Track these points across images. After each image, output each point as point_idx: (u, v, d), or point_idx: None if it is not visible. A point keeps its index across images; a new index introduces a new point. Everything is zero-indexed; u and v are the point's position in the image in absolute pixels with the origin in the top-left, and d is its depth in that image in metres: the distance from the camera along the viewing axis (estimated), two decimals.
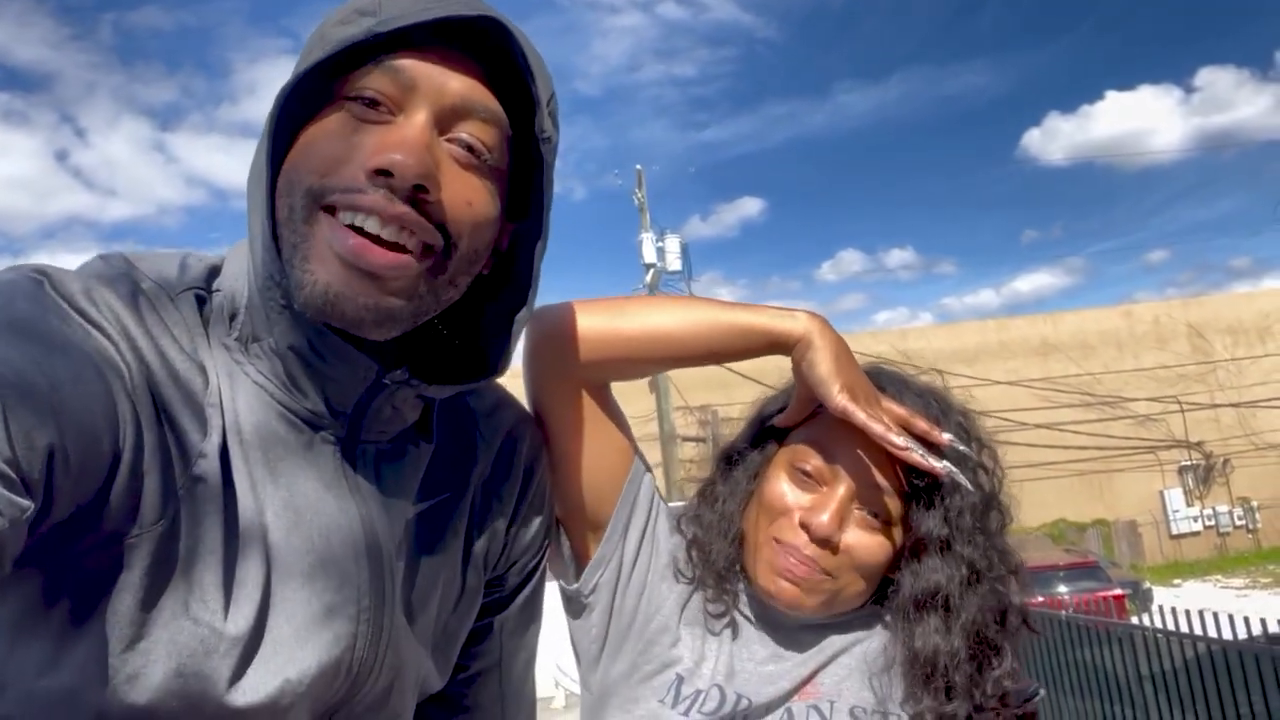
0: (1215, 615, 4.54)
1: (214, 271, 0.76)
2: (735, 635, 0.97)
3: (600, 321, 0.92)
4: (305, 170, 0.67)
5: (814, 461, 0.93)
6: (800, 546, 0.91)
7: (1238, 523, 23.22)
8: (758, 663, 0.95)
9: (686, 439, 22.15)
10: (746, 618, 0.99)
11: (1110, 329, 24.44)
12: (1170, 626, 4.88)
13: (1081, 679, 5.76)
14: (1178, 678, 4.88)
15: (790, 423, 0.98)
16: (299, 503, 0.72)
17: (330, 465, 0.74)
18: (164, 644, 0.64)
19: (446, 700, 0.90)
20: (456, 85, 0.68)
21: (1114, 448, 22.84)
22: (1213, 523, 23.23)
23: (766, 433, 1.01)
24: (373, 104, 0.67)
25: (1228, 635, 4.44)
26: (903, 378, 1.00)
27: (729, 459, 1.04)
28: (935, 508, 0.91)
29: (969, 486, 0.90)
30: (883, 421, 0.87)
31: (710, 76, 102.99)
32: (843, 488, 0.91)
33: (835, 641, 0.96)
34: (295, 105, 0.68)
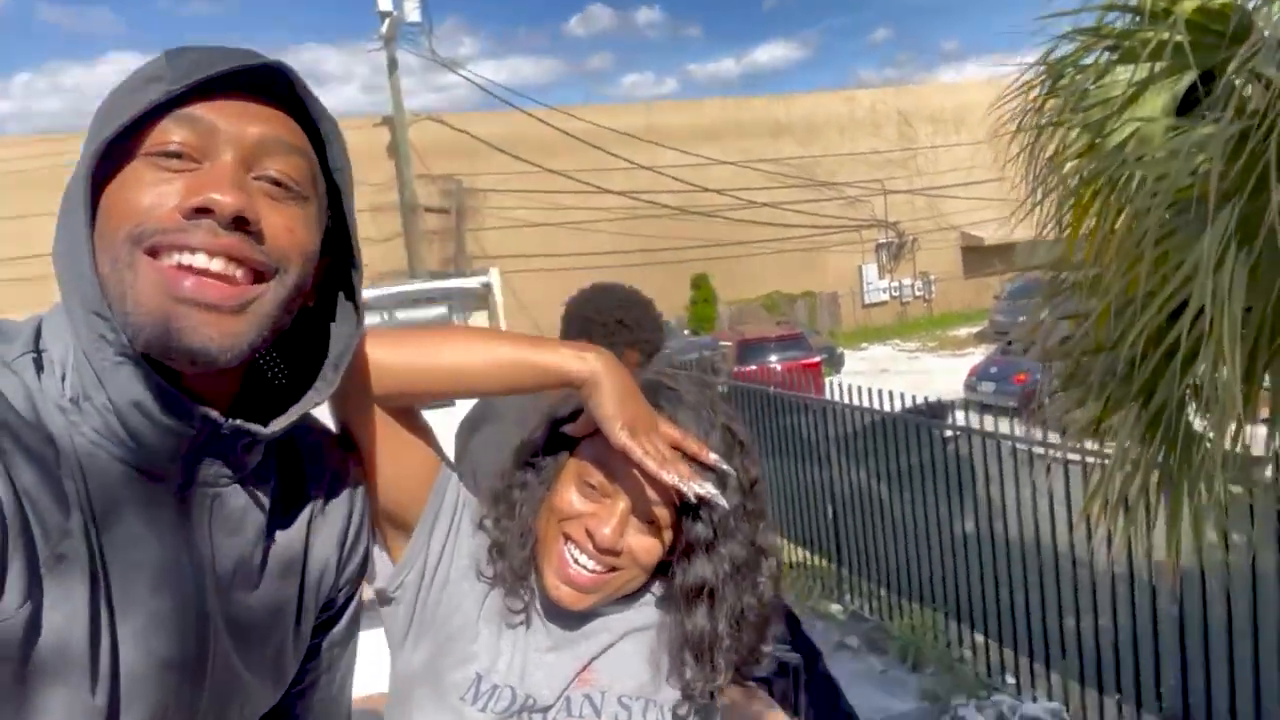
0: (885, 392, 5.65)
1: (37, 333, 0.73)
2: (528, 628, 1.11)
3: (399, 355, 0.98)
4: (121, 220, 0.67)
5: (598, 477, 1.08)
6: (588, 547, 1.07)
7: (918, 293, 26.93)
8: (541, 652, 1.09)
9: (429, 209, 21.25)
10: (538, 611, 1.13)
11: (835, 114, 26.14)
12: (852, 402, 5.96)
13: (782, 443, 6.89)
14: (855, 440, 6.08)
15: (580, 434, 1.12)
16: (138, 560, 0.72)
17: (169, 516, 0.74)
18: None
19: (277, 713, 0.94)
20: (255, 126, 0.71)
21: (825, 226, 25.18)
22: (898, 294, 26.77)
23: (558, 440, 1.15)
24: (176, 155, 0.68)
25: (888, 408, 5.62)
26: (678, 394, 1.14)
27: (526, 463, 1.17)
28: (701, 517, 1.08)
29: (724, 505, 1.07)
30: (657, 457, 1.02)
31: None
32: (623, 503, 1.07)
33: (614, 626, 1.13)
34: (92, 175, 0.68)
